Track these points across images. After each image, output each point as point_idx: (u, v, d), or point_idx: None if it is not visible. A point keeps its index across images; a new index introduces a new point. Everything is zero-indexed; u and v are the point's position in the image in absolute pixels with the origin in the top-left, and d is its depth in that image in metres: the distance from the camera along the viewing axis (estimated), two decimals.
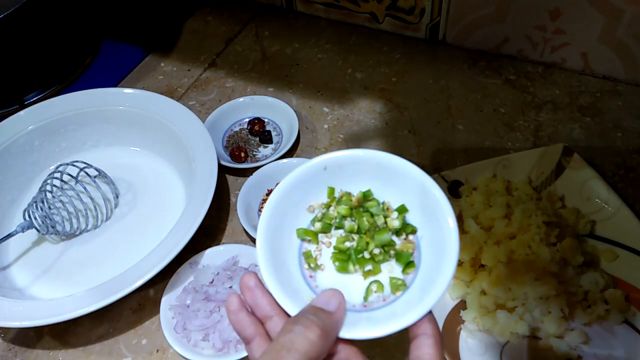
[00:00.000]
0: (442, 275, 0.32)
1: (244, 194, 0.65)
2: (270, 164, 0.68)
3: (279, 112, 0.76)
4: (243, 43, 0.90)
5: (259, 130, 0.74)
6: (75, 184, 0.66)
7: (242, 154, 0.71)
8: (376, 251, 0.36)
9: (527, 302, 0.52)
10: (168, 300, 0.57)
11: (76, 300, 0.53)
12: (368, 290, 0.35)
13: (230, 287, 0.57)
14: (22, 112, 0.71)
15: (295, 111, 0.74)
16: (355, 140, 0.74)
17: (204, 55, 0.89)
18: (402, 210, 0.38)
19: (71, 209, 0.64)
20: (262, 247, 0.36)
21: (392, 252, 0.37)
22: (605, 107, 0.74)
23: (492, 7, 0.75)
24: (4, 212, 0.67)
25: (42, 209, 0.61)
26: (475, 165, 0.65)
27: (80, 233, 0.65)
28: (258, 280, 0.35)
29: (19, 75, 0.81)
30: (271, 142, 0.74)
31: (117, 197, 0.69)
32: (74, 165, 0.65)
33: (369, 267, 0.36)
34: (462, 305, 0.55)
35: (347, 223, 0.38)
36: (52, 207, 0.63)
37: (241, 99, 0.77)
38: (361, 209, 0.38)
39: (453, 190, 0.64)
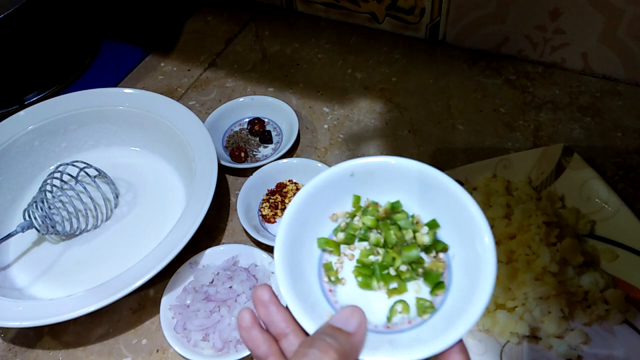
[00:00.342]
0: (475, 300, 0.30)
1: (244, 194, 0.65)
2: (270, 164, 0.68)
3: (279, 112, 0.76)
4: (243, 43, 0.90)
5: (259, 130, 0.74)
6: (75, 184, 0.66)
7: (242, 154, 0.71)
8: (403, 268, 0.33)
9: (527, 302, 0.52)
10: (168, 300, 0.57)
11: (76, 300, 0.53)
12: (392, 310, 0.32)
13: (230, 287, 0.57)
14: (22, 112, 0.71)
15: (295, 111, 0.74)
16: (355, 141, 0.74)
17: (204, 55, 0.89)
18: (433, 225, 0.35)
19: (71, 209, 0.64)
20: (281, 255, 0.33)
21: (420, 270, 0.34)
22: (605, 107, 0.74)
23: (492, 7, 0.75)
24: (4, 212, 0.67)
25: (42, 209, 0.61)
26: (475, 165, 0.65)
27: (80, 233, 0.65)
28: (272, 294, 0.33)
29: (18, 75, 0.81)
30: (271, 142, 0.74)
31: (117, 197, 0.69)
32: (74, 165, 0.65)
33: (394, 284, 0.33)
34: None
35: (373, 235, 0.35)
36: (52, 207, 0.63)
37: (241, 99, 0.77)
38: (388, 221, 0.35)
39: None
